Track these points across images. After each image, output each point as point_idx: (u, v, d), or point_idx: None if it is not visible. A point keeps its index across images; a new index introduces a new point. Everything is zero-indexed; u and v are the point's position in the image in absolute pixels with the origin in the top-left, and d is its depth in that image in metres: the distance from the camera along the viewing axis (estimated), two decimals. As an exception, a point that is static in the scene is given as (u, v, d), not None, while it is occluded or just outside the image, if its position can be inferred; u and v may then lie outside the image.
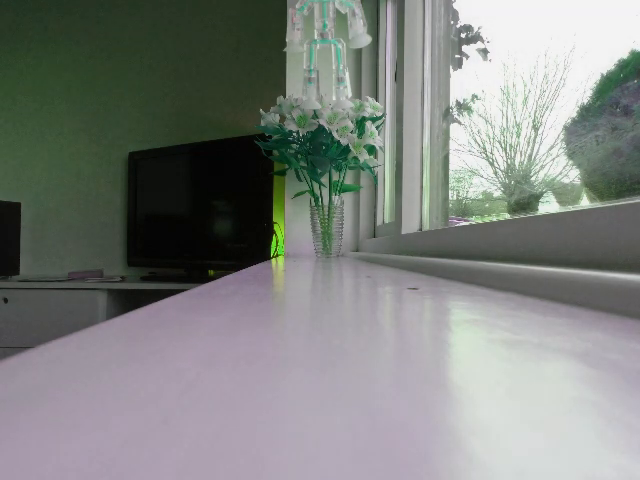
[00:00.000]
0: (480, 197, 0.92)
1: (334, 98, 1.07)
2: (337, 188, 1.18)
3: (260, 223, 1.56)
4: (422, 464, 0.07)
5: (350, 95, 1.07)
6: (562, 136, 0.66)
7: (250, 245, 1.60)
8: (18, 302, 1.57)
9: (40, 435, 0.08)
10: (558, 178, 0.68)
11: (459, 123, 0.91)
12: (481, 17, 0.98)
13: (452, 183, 0.88)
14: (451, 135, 0.86)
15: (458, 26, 0.98)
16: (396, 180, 0.95)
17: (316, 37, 1.03)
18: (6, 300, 1.58)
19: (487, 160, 0.85)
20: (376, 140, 1.06)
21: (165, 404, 0.09)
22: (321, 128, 1.05)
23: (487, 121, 0.85)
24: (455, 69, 0.91)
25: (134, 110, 2.04)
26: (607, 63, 0.53)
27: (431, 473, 0.06)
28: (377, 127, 1.08)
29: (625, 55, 0.50)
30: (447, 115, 0.86)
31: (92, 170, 2.06)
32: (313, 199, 1.18)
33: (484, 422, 0.08)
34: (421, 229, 0.89)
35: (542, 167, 0.74)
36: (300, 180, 1.20)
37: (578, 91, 0.61)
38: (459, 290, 0.34)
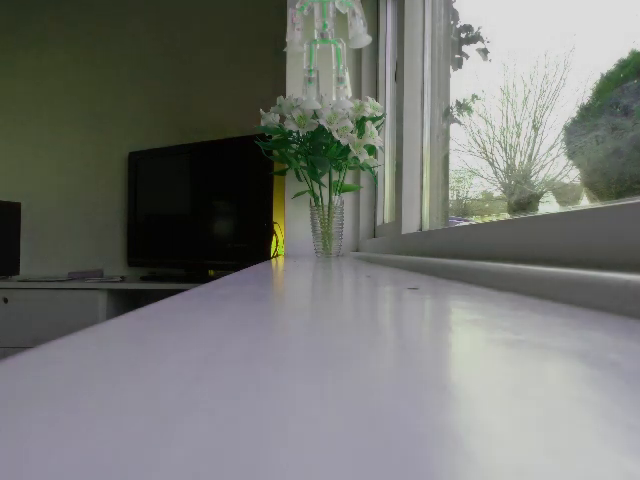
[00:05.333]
0: (480, 197, 0.92)
1: (334, 98, 1.06)
2: (337, 188, 1.18)
3: (260, 223, 1.56)
4: (422, 464, 0.07)
5: (350, 95, 1.07)
6: (562, 136, 0.66)
7: (250, 245, 1.60)
8: (18, 302, 1.57)
9: (40, 435, 0.08)
10: (558, 178, 0.68)
11: (459, 123, 0.91)
12: (481, 17, 0.98)
13: (452, 183, 0.88)
14: (451, 135, 0.86)
15: (458, 26, 0.98)
16: (396, 180, 0.95)
17: (316, 37, 1.03)
18: (6, 300, 1.58)
19: (487, 160, 0.85)
20: (376, 140, 1.06)
21: (165, 404, 0.09)
22: (321, 128, 1.05)
23: (487, 121, 0.85)
24: (455, 69, 0.91)
25: (134, 110, 2.04)
26: (607, 63, 0.53)
27: (431, 473, 0.06)
28: (377, 127, 1.08)
29: (625, 55, 0.50)
30: (447, 115, 0.86)
31: (92, 170, 2.06)
32: (313, 199, 1.18)
33: (484, 422, 0.08)
34: (421, 229, 0.89)
35: (542, 167, 0.74)
36: (300, 180, 1.20)
37: (578, 91, 0.61)
38: (459, 290, 0.34)
